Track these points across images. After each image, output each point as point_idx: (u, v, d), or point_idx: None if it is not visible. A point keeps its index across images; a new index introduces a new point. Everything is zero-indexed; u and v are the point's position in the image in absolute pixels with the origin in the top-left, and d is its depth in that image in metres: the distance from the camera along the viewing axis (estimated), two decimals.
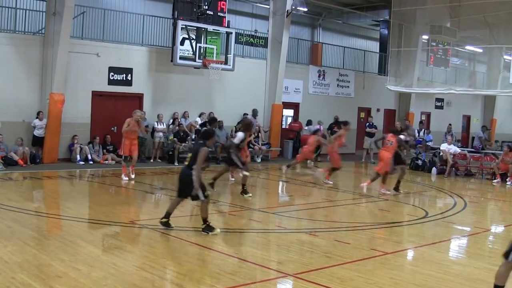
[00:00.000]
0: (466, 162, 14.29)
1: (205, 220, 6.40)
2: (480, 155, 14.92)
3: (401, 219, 8.29)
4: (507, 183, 12.48)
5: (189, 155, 6.66)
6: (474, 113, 22.63)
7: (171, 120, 14.23)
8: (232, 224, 7.43)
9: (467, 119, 22.26)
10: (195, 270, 5.10)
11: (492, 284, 4.17)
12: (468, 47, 17.11)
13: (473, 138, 19.89)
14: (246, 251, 5.96)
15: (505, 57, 15.53)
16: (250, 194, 8.98)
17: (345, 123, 11.70)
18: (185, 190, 6.39)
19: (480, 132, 18.90)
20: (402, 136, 10.47)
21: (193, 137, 13.65)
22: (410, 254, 6.34)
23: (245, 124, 9.92)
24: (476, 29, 15.34)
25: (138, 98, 14.10)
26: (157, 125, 13.88)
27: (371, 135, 16.09)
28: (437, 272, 5.36)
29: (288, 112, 17.66)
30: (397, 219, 8.18)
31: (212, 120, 11.60)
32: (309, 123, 16.54)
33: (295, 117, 17.55)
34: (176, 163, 13.09)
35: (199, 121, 14.53)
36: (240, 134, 9.42)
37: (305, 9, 15.92)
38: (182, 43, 13.78)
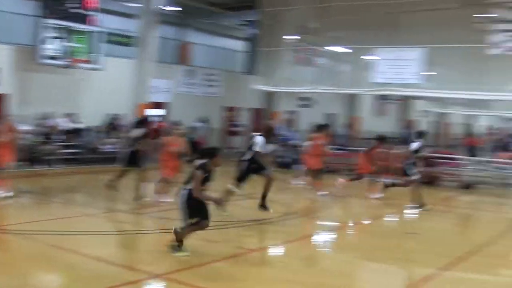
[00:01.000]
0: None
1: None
2: (345, 152, 19.25)
3: (268, 217, 10.00)
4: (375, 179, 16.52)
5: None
6: (339, 112, 27.53)
7: (38, 121, 15.91)
8: (96, 227, 9.02)
9: (332, 117, 27.03)
10: (61, 275, 6.18)
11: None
12: (335, 48, 21.45)
13: (337, 136, 24.66)
14: (110, 253, 7.26)
15: (368, 57, 20.06)
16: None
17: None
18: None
19: (343, 130, 23.55)
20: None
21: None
22: (277, 250, 8.13)
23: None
24: (344, 30, 19.13)
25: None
26: (23, 126, 15.08)
27: (235, 133, 19.19)
28: (306, 267, 7.05)
29: (156, 112, 20.11)
30: (264, 217, 9.93)
31: (141, 121, 12.46)
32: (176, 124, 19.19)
33: (163, 117, 20.18)
34: (41, 165, 14.74)
35: (64, 122, 16.58)
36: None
37: (174, 8, 18.58)
38: (48, 42, 15.65)
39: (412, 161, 12.00)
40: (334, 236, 9.78)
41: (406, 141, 20.16)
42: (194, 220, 6.89)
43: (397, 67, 18.03)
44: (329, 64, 22.46)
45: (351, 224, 11.00)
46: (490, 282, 7.12)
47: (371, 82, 18.70)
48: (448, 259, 7.72)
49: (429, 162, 17.59)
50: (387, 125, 29.13)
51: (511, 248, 9.21)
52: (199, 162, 7.03)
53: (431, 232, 10.05)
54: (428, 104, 33.21)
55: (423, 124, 34.06)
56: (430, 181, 17.02)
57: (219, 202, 7.52)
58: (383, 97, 28.07)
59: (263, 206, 10.26)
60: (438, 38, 18.16)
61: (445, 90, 19.18)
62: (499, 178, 18.25)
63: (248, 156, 10.32)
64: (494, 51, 15.91)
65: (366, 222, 11.41)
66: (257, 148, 10.21)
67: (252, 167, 10.25)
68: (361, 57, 20.74)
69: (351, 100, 27.61)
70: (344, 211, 12.84)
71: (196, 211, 6.91)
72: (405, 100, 31.64)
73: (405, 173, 12.20)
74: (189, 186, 6.89)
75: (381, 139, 13.90)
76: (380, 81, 18.39)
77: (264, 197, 10.22)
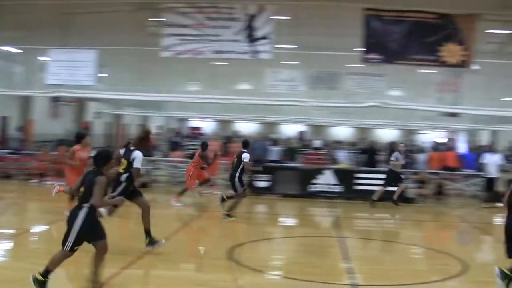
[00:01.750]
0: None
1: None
2: (19, 156, 21.43)
3: None
4: (47, 182, 18.65)
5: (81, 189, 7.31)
6: (12, 114, 28.55)
7: None
8: None
9: (4, 120, 28.22)
10: None
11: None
12: (7, 48, 22.99)
13: (11, 139, 26.36)
14: None
15: (41, 58, 22.13)
16: None
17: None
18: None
19: (16, 133, 25.37)
20: None
21: None
22: None
23: None
24: (16, 30, 20.31)
25: None
26: None
27: None
28: None
29: None
30: None
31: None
32: None
33: None
34: None
35: None
36: None
37: None
38: None
39: None
40: (12, 243, 10.74)
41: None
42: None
43: (70, 69, 19.40)
44: (1, 65, 23.94)
45: (33, 230, 12.39)
46: (164, 277, 8.78)
47: (45, 83, 19.93)
48: (129, 257, 9.34)
49: None
50: (62, 127, 31.75)
51: (182, 243, 11.79)
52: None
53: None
54: (103, 105, 36.88)
55: (99, 126, 37.69)
56: None
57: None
58: (57, 99, 29.76)
59: None
60: (112, 40, 20.57)
61: (119, 91, 21.92)
62: (173, 176, 22.43)
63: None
64: (166, 54, 17.78)
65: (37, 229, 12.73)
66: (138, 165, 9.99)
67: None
68: (35, 58, 22.87)
69: (26, 102, 28.94)
70: (23, 217, 14.45)
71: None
72: (80, 102, 34.34)
73: None
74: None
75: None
76: (53, 83, 19.58)
77: None
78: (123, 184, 9.92)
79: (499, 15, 19.37)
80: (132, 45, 20.26)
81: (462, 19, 17.14)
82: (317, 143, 33.05)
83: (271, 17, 17.08)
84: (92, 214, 7.17)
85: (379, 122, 39.01)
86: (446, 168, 20.58)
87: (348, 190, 19.30)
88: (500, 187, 19.48)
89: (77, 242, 7.10)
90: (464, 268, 9.80)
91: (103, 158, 7.47)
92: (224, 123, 50.69)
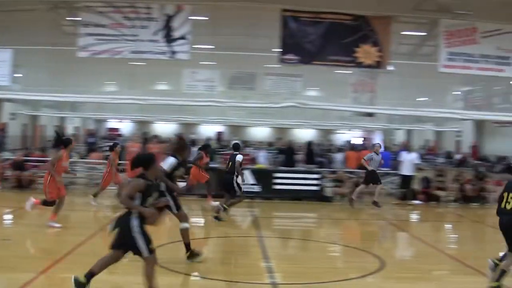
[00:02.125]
0: None
1: None
2: None
3: None
4: None
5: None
6: None
7: None
8: None
9: None
10: None
11: None
12: None
13: None
14: None
15: None
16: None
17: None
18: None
19: None
20: None
21: None
22: None
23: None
24: None
25: None
26: None
27: None
28: None
29: None
30: None
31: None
32: None
33: None
34: None
35: None
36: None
37: None
38: None
39: None
40: None
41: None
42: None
43: None
44: None
45: None
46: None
47: None
48: (47, 261, 9.29)
49: (20, 165, 20.35)
50: None
51: (100, 246, 10.72)
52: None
53: (21, 237, 11.58)
54: (19, 106, 35.88)
55: (15, 127, 36.54)
56: (21, 185, 19.65)
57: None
58: None
59: None
60: (28, 39, 20.20)
61: (35, 92, 21.31)
62: (91, 178, 22.04)
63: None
64: (83, 54, 17.39)
65: None
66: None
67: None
68: None
69: None
70: None
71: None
72: None
73: None
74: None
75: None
76: None
77: None
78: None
79: (413, 17, 20.10)
80: (48, 45, 19.97)
81: (377, 21, 17.64)
82: None
83: (189, 18, 17.06)
84: (141, 219, 7.17)
85: (296, 122, 39.66)
86: (362, 167, 21.14)
87: (267, 190, 19.50)
88: (415, 185, 20.23)
89: (148, 243, 7.13)
90: (382, 265, 10.11)
91: (145, 161, 7.39)
92: (143, 124, 50.27)
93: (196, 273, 9.73)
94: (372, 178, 18.32)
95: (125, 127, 51.72)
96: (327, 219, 17.51)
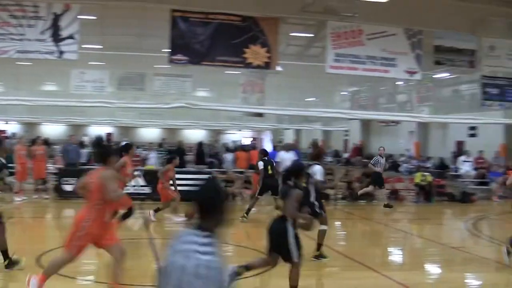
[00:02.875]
0: None
1: None
2: None
3: None
4: None
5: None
6: None
7: None
8: None
9: None
10: None
11: None
12: None
13: None
14: None
15: None
16: None
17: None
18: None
19: None
20: None
21: None
22: None
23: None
24: None
25: None
26: None
27: None
28: None
29: None
30: None
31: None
32: None
33: None
34: None
35: None
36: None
37: None
38: None
39: None
40: None
41: None
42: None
43: None
44: None
45: None
46: None
47: None
48: None
49: None
50: None
51: None
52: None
53: None
54: None
55: None
56: None
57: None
58: None
59: None
60: None
61: None
62: None
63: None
64: None
65: None
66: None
67: None
68: None
69: None
70: None
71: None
72: None
73: None
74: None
75: None
76: None
77: None
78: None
79: (301, 19, 20.69)
80: None
81: (266, 22, 18.05)
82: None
83: (77, 17, 16.79)
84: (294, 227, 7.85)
85: (186, 122, 39.69)
86: (252, 167, 21.50)
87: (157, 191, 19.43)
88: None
89: (299, 249, 7.83)
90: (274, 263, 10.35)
91: (297, 170, 8.25)
92: (30, 126, 48.60)
93: (90, 277, 9.66)
94: (378, 180, 18.99)
95: (12, 129, 49.78)
96: None
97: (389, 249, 13.57)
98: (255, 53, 18.04)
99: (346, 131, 46.35)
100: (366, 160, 35.42)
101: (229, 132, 54.94)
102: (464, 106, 32.52)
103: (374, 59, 20.12)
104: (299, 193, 7.92)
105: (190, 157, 23.02)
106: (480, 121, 27.51)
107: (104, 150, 7.98)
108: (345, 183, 21.18)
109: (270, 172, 16.88)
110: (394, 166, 34.22)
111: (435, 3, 20.92)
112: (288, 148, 22.83)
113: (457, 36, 21.88)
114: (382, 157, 20.19)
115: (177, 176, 19.87)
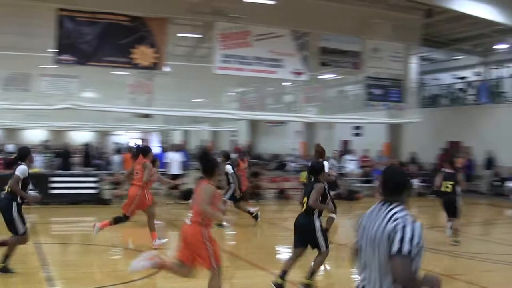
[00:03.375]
0: None
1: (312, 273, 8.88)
2: None
3: None
4: None
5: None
6: None
7: None
8: None
9: None
10: None
11: None
12: None
13: None
14: None
15: None
16: None
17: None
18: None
19: None
20: None
21: None
22: None
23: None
24: None
25: None
26: None
27: None
28: None
29: None
30: None
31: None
32: None
33: None
34: None
35: None
36: None
37: None
38: None
39: None
40: None
41: None
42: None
43: None
44: None
45: None
46: None
47: None
48: None
49: None
50: None
51: None
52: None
53: None
54: None
55: None
56: None
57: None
58: None
59: None
60: None
61: None
62: None
63: None
64: None
65: None
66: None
67: None
68: None
69: None
70: None
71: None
72: None
73: None
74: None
75: None
76: None
77: None
78: None
79: (189, 20, 20.78)
80: None
81: (154, 22, 18.07)
82: (9, 147, 31.75)
83: None
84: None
85: (73, 124, 38.83)
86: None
87: (43, 195, 18.95)
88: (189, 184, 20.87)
89: (327, 240, 8.94)
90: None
91: (319, 169, 9.24)
92: None
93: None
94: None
95: None
96: None
97: (278, 248, 13.88)
98: (143, 54, 18.03)
99: (234, 131, 46.81)
100: (253, 161, 36.04)
101: (117, 133, 54.15)
102: (349, 106, 33.71)
103: (261, 60, 20.55)
104: (321, 186, 8.87)
105: (76, 159, 22.54)
106: (365, 121, 28.66)
107: (213, 163, 7.76)
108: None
109: None
110: (281, 165, 34.97)
111: (321, 6, 21.62)
112: (176, 148, 22.93)
113: (342, 38, 22.74)
114: (335, 159, 21.16)
115: (64, 179, 19.58)
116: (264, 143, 47.14)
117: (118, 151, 27.29)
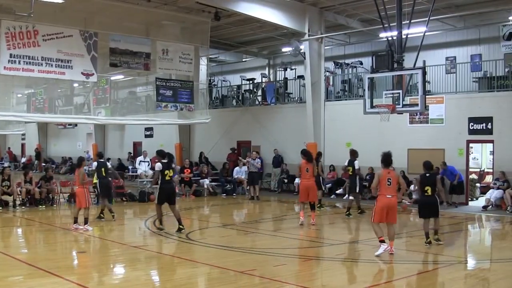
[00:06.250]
0: None
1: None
2: None
3: None
4: None
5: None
6: None
7: None
8: None
9: None
10: None
11: None
12: None
13: None
14: None
15: None
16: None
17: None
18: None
19: None
20: None
21: None
22: None
23: None
24: None
25: None
26: None
27: None
28: None
29: None
30: None
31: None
32: None
33: None
34: None
35: None
36: None
37: None
38: None
39: None
40: None
41: None
42: None
43: None
44: None
45: None
46: None
47: None
48: None
49: None
50: None
51: None
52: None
53: None
54: None
55: None
56: None
57: None
58: None
59: None
60: None
61: None
62: None
63: None
64: None
65: None
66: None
67: None
68: None
69: None
70: None
71: None
72: None
73: None
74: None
75: None
76: None
77: None
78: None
79: None
80: None
81: None
82: None
83: None
84: None
85: None
86: None
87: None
88: None
89: None
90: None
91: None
92: None
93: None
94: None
95: None
96: None
97: (73, 253, 13.46)
98: None
99: (23, 134, 44.81)
100: (45, 164, 34.81)
101: None
102: (141, 107, 33.79)
103: (50, 61, 20.04)
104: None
105: None
106: (155, 122, 28.87)
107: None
108: (24, 188, 20.43)
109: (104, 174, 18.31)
110: (73, 168, 34.06)
111: (110, 6, 21.46)
112: None
113: (132, 39, 22.76)
114: (254, 159, 23.73)
115: None
116: (54, 146, 45.59)
117: None
